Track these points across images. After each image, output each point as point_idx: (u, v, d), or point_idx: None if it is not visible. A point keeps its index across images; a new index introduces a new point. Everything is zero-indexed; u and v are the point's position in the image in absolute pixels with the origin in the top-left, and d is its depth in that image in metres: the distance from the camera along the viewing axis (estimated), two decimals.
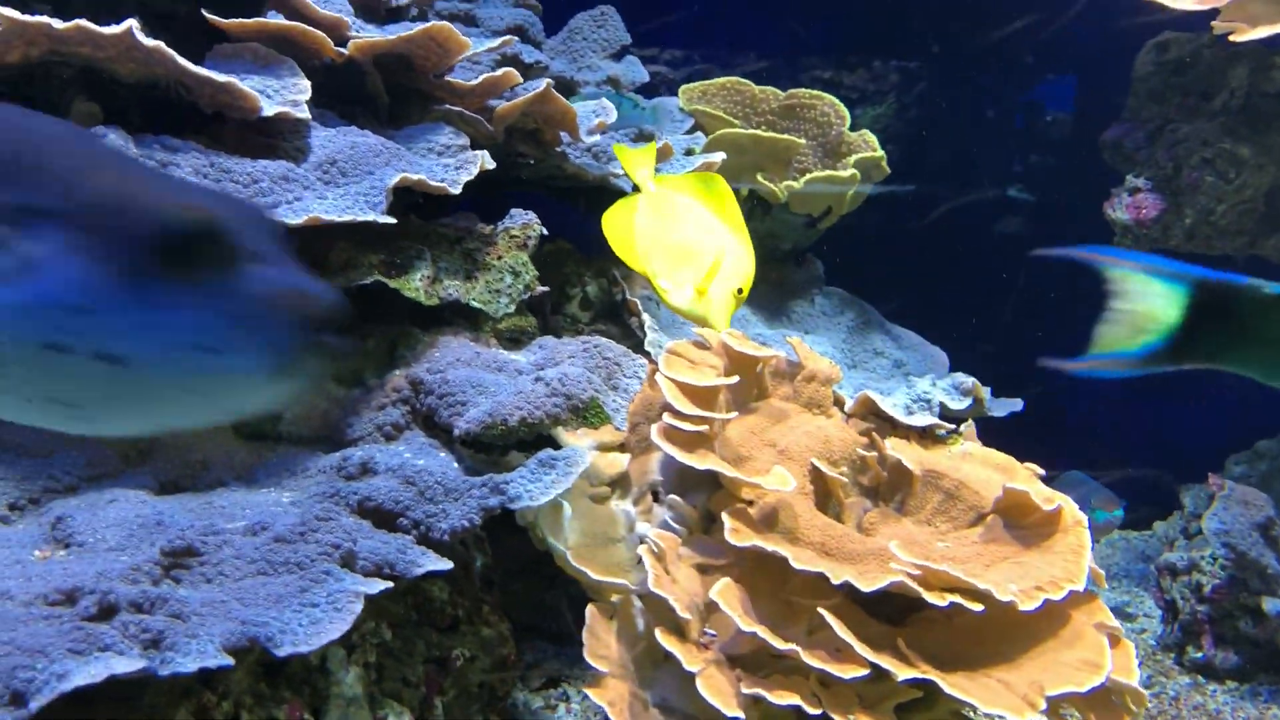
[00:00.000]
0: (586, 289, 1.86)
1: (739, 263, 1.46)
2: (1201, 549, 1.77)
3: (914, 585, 1.26)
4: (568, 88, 2.03)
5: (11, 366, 0.51)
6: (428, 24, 1.53)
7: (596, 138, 1.68)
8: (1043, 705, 1.24)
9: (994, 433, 1.75)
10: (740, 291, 1.48)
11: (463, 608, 1.33)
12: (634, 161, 1.39)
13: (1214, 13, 1.66)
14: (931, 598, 1.27)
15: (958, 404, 1.79)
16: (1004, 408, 1.86)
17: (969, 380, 1.81)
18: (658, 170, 1.85)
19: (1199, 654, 1.75)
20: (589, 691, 1.23)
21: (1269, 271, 1.98)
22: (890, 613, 1.40)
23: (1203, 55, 1.89)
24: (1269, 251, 1.92)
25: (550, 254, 1.87)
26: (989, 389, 1.85)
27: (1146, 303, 0.94)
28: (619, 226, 1.47)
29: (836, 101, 2.09)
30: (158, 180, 0.53)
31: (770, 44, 2.70)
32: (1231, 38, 1.64)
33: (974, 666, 1.29)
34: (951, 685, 1.23)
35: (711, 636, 1.32)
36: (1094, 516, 1.95)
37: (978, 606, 1.28)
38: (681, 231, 1.49)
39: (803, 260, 2.13)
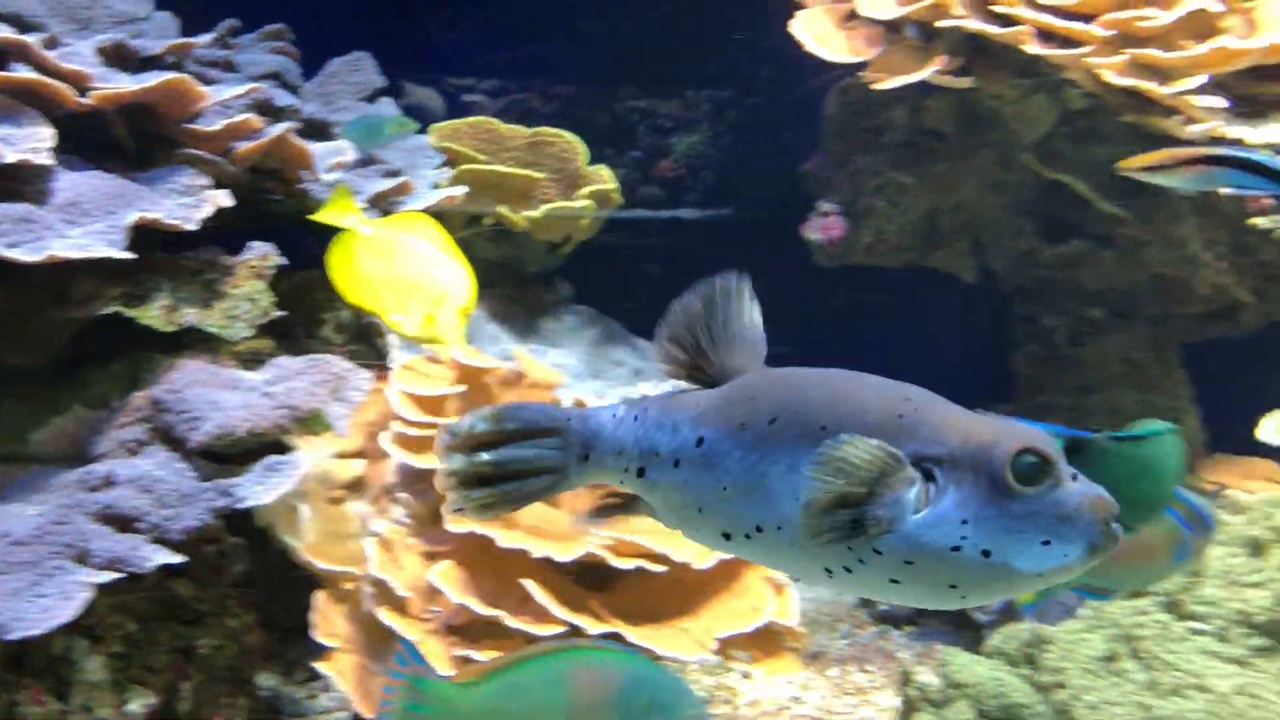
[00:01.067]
0: (340, 313, 2.03)
1: (460, 285, 1.66)
2: None
3: (603, 553, 1.49)
4: (321, 128, 2.18)
5: (924, 566, 0.72)
6: (167, 75, 1.67)
7: (336, 175, 1.86)
8: (713, 645, 1.48)
9: None
10: (466, 310, 1.69)
11: (209, 602, 1.47)
12: (335, 211, 1.52)
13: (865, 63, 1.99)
14: (619, 563, 1.50)
15: None
16: None
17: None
18: (403, 204, 2.04)
19: (884, 606, 2.05)
20: (317, 665, 1.40)
21: (935, 280, 2.32)
22: (600, 582, 1.62)
23: (875, 97, 2.22)
24: (935, 263, 2.27)
25: (304, 281, 2.02)
26: None
27: None
28: (342, 269, 1.63)
29: (575, 139, 2.33)
30: (995, 423, 0.74)
31: (586, 74, 2.80)
32: (873, 86, 1.96)
33: (660, 619, 1.53)
34: (636, 635, 1.46)
35: (436, 612, 1.51)
36: None
37: (660, 568, 1.52)
38: (403, 265, 1.67)
39: (551, 282, 2.35)
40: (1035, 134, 2.07)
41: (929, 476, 0.72)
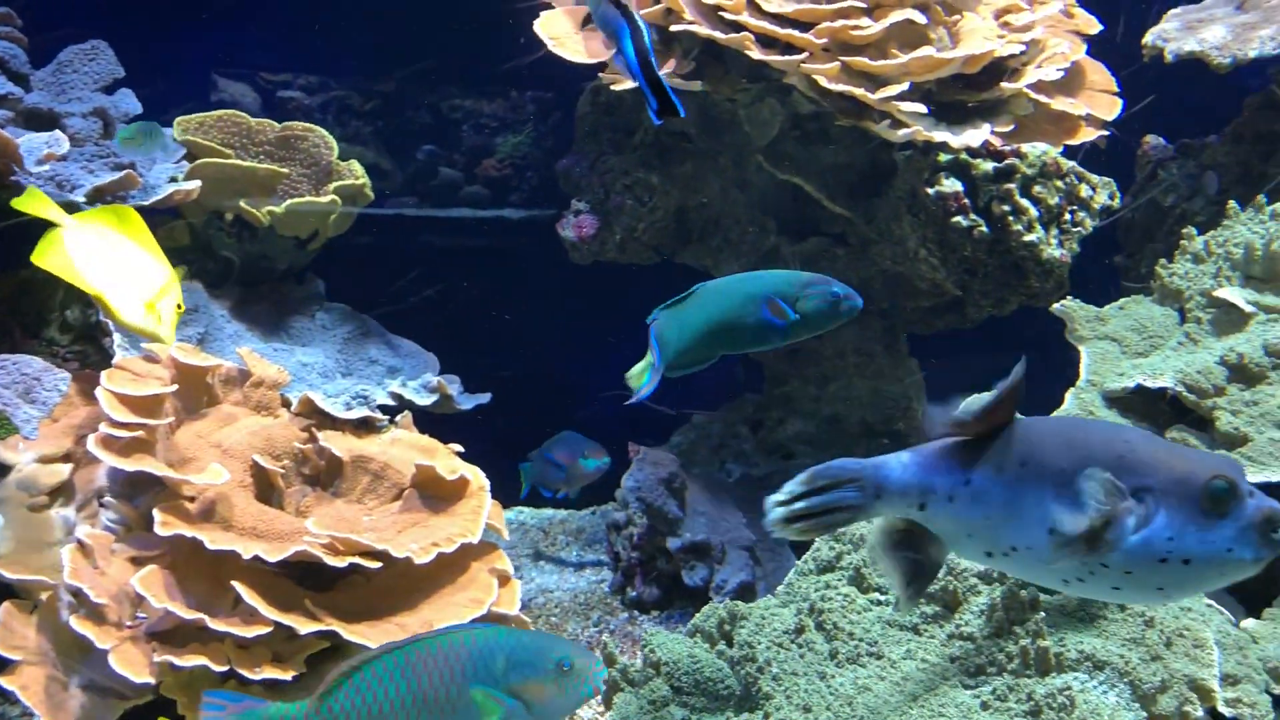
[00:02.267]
0: (67, 313, 1.93)
1: (172, 282, 1.62)
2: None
3: (316, 552, 1.48)
4: (47, 118, 2.08)
5: (1139, 575, 0.92)
6: None
7: (45, 167, 1.77)
8: None
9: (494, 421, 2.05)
10: (180, 307, 1.65)
11: None
12: (34, 203, 1.49)
13: (604, 64, 2.03)
14: (333, 561, 1.49)
15: (424, 400, 2.04)
16: (471, 401, 2.13)
17: (435, 380, 2.07)
18: (130, 198, 1.97)
19: (634, 592, 2.11)
20: (1, 680, 1.33)
21: (691, 275, 2.40)
22: (325, 582, 1.61)
23: (625, 98, 2.28)
24: (687, 259, 2.34)
25: (26, 281, 1.92)
26: (456, 386, 2.12)
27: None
28: (55, 256, 1.58)
29: (326, 134, 2.29)
30: (1191, 455, 0.94)
31: (408, 71, 2.74)
32: (613, 87, 2.01)
33: (380, 616, 1.53)
34: (351, 632, 1.46)
35: (142, 619, 1.46)
36: (586, 464, 2.26)
37: (376, 565, 1.51)
38: (117, 257, 1.62)
39: (304, 279, 2.30)
40: (767, 136, 2.16)
41: (1143, 502, 0.92)
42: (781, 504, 1.00)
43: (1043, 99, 2.11)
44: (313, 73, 2.76)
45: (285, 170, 2.19)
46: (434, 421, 2.08)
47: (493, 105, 2.81)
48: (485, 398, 2.16)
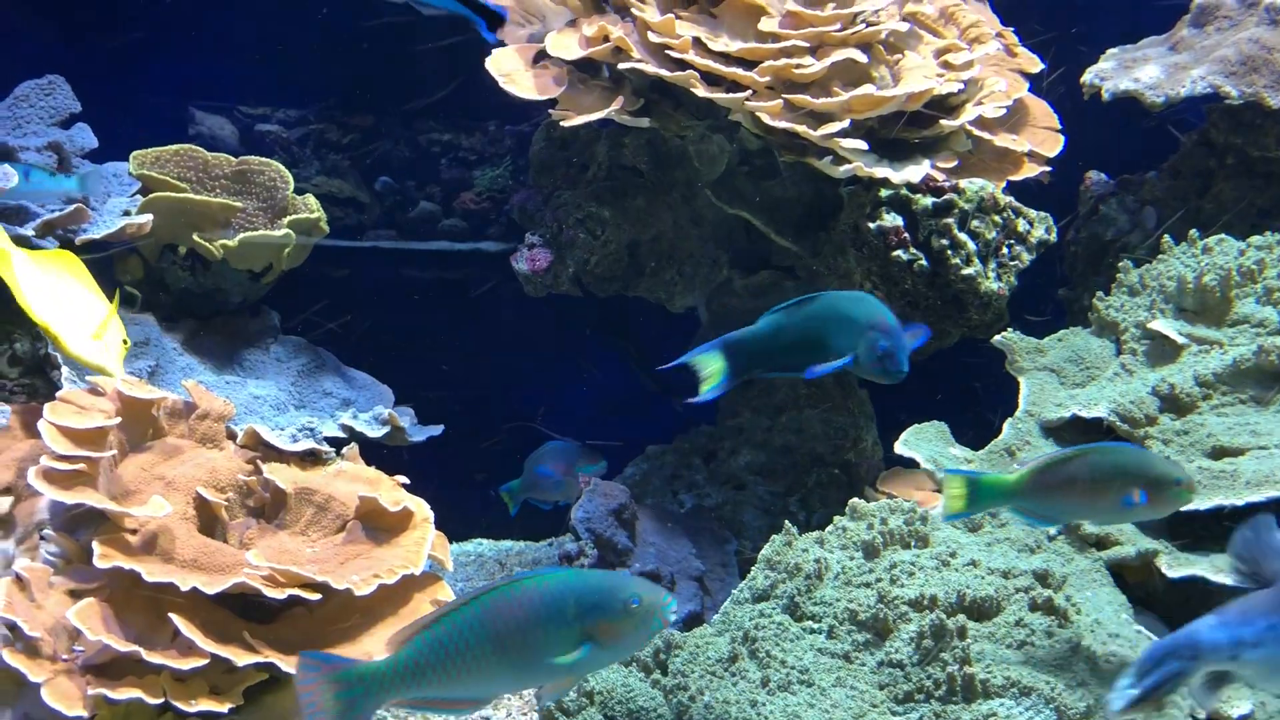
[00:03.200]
0: (16, 345, 1.94)
1: (111, 316, 1.65)
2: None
3: (255, 584, 1.48)
4: (2, 152, 2.09)
5: None
6: None
7: None
8: None
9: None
10: (126, 342, 1.67)
11: None
12: None
13: (554, 101, 2.07)
14: (272, 592, 1.49)
15: (375, 432, 2.05)
16: (423, 433, 2.15)
17: (386, 412, 2.08)
18: (81, 231, 1.99)
19: None
20: None
21: (644, 307, 2.43)
22: (267, 615, 1.61)
23: (579, 134, 2.32)
24: (641, 292, 2.37)
25: None
26: (408, 418, 2.14)
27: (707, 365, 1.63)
28: (6, 275, 1.60)
29: (282, 168, 2.31)
30: None
31: (386, 105, 2.78)
32: (563, 123, 2.04)
33: (321, 647, 1.53)
34: (289, 664, 1.46)
35: (79, 652, 1.46)
36: (585, 470, 2.27)
37: (316, 596, 1.52)
38: (63, 289, 1.64)
39: (258, 311, 2.32)
40: (715, 172, 2.20)
41: None
42: (1126, 698, 1.18)
43: (986, 135, 2.16)
44: (291, 106, 2.80)
45: (239, 204, 2.21)
46: (391, 452, 2.11)
47: (471, 139, 2.84)
48: (438, 430, 2.17)
